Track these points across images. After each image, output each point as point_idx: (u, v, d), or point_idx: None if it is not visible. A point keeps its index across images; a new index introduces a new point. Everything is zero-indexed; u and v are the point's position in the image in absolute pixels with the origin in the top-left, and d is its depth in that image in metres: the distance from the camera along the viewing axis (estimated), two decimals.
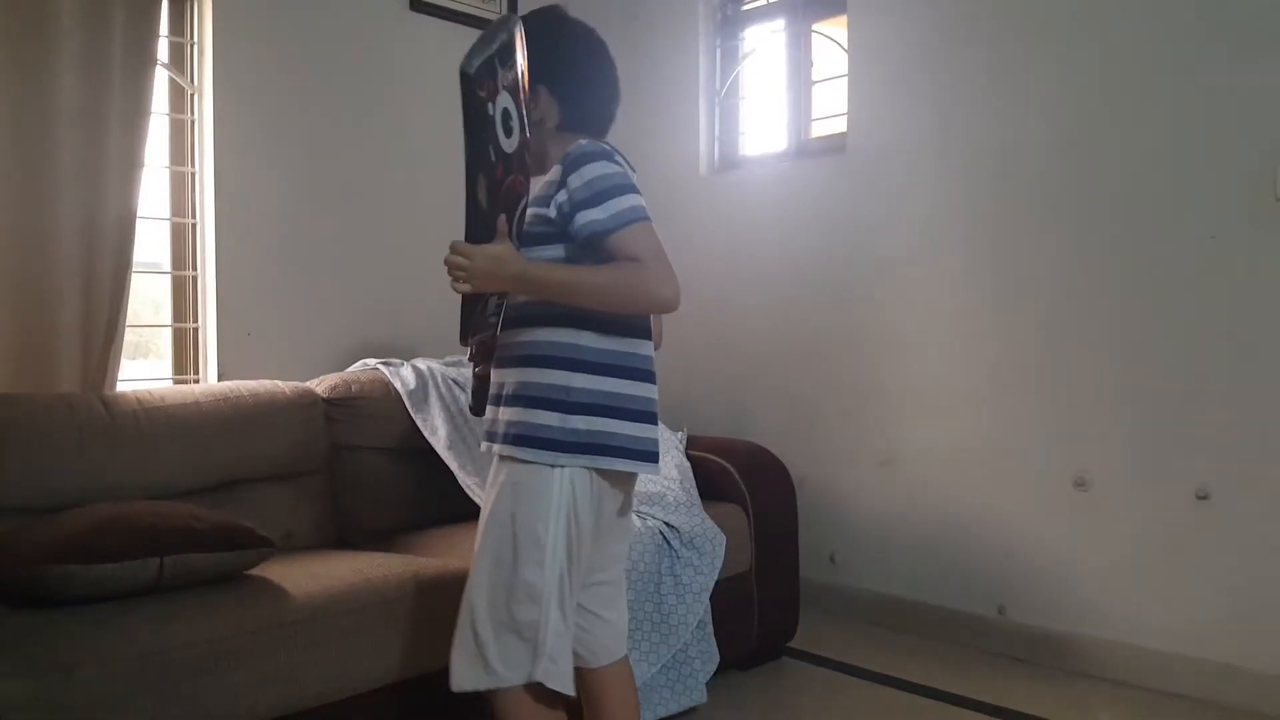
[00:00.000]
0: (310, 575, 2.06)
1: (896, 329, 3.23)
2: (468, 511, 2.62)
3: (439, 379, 2.91)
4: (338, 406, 2.73)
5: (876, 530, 3.30)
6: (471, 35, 3.48)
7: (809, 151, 3.51)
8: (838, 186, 3.36)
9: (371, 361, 2.97)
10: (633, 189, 1.63)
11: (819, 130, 3.54)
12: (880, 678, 2.80)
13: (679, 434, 3.09)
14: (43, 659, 1.63)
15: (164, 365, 3.03)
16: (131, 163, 2.65)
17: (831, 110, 3.48)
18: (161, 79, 2.88)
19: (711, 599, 2.62)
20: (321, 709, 1.93)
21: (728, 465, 2.94)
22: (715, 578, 2.63)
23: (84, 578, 1.81)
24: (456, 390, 2.90)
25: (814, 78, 3.55)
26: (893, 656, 2.95)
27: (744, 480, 2.90)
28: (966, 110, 3.05)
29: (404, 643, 2.06)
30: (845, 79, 3.35)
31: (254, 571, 2.07)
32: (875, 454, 3.30)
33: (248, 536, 2.01)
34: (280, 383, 2.69)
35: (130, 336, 2.79)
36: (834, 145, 3.41)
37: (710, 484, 2.89)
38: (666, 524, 2.63)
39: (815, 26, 3.53)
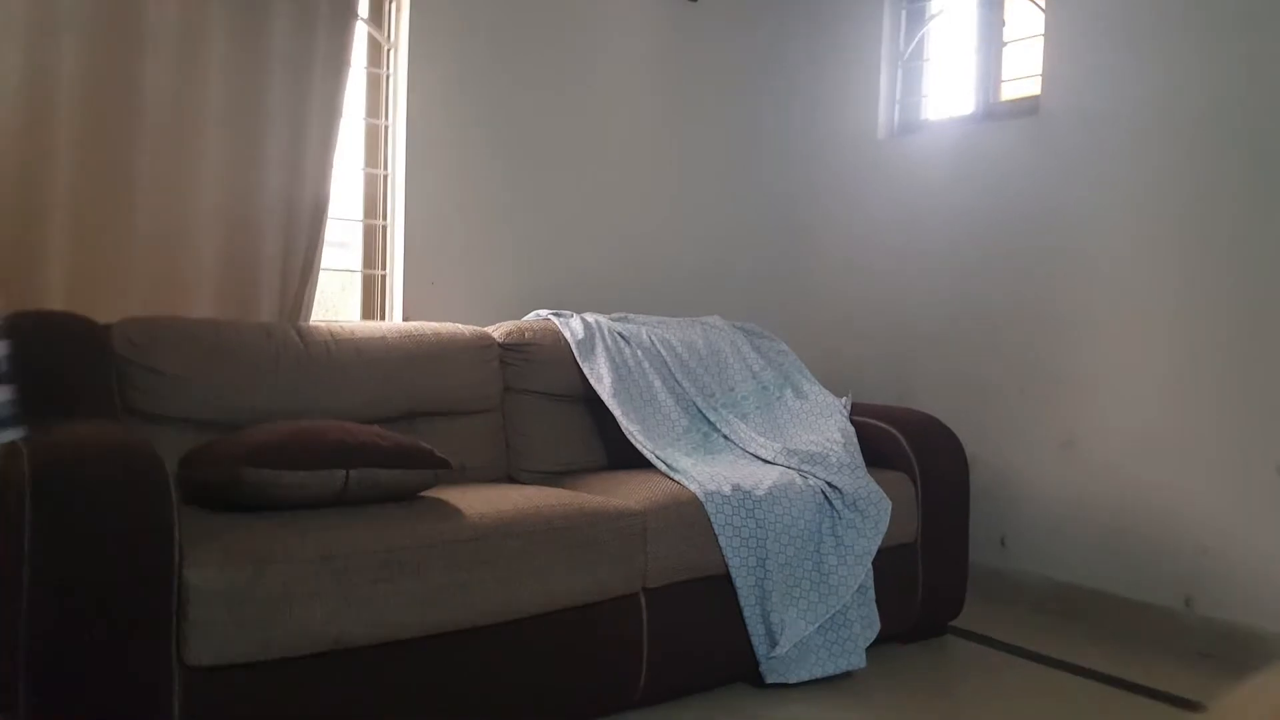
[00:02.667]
0: (482, 500, 2.13)
1: (1084, 304, 3.04)
2: (630, 457, 2.66)
3: (605, 331, 2.95)
4: (512, 351, 2.82)
5: (1053, 514, 3.13)
6: (653, 1, 3.59)
7: (997, 114, 3.36)
8: (1027, 150, 3.19)
9: (544, 312, 3.05)
10: None
11: (1009, 93, 3.37)
12: (1052, 661, 2.66)
13: (844, 399, 3.02)
14: (237, 554, 1.74)
15: (353, 311, 3.20)
16: (331, 112, 2.80)
17: (1023, 73, 3.32)
18: (361, 34, 3.03)
19: (874, 566, 2.56)
20: (487, 629, 1.99)
21: (895, 432, 2.85)
22: (878, 542, 2.57)
23: (277, 482, 1.92)
24: (621, 343, 2.94)
25: (1006, 38, 3.39)
26: (1066, 643, 2.79)
27: (913, 448, 2.81)
28: (1173, 72, 2.83)
29: (567, 570, 2.09)
30: (1040, 39, 3.18)
31: (430, 493, 2.16)
32: (1055, 435, 3.13)
33: (427, 457, 2.09)
34: (460, 325, 2.80)
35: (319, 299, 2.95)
36: (1025, 108, 3.24)
37: (877, 451, 2.81)
38: (829, 484, 2.58)
39: None
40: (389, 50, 3.14)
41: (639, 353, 2.94)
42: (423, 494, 2.16)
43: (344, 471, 1.98)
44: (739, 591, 2.38)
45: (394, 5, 3.14)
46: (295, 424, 2.10)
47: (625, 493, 2.38)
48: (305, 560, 1.79)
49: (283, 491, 1.94)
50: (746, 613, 2.39)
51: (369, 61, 3.12)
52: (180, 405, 2.33)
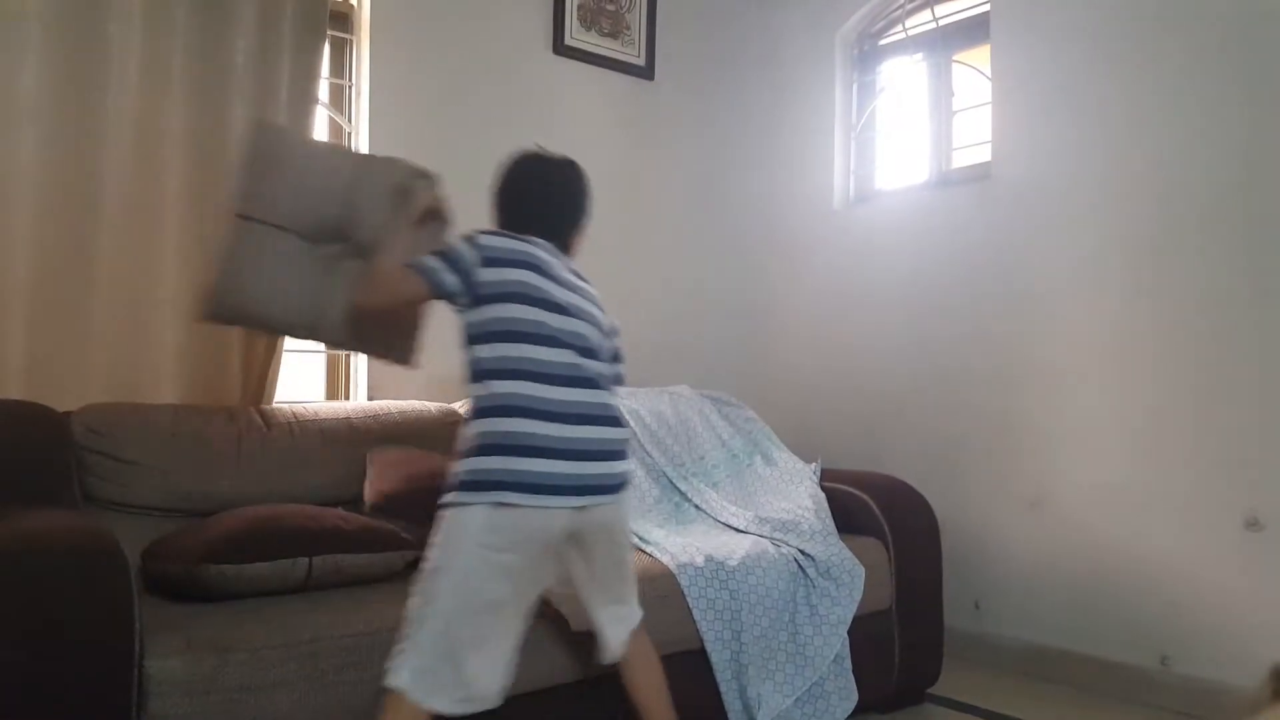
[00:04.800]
0: None
1: (1046, 363, 3.10)
2: None
3: None
4: None
5: (1025, 575, 3.13)
6: (612, 78, 3.69)
7: (950, 181, 3.45)
8: (981, 215, 3.28)
9: None
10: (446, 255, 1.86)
11: (960, 160, 3.47)
12: None
13: (813, 465, 3.03)
14: (199, 644, 1.70)
15: (317, 390, 3.17)
16: None
17: (973, 140, 3.42)
18: (322, 118, 3.06)
19: (849, 634, 2.54)
20: None
21: (865, 498, 2.85)
22: (854, 610, 2.55)
23: (237, 576, 1.89)
24: None
25: (955, 107, 3.50)
26: (1046, 707, 2.77)
27: (883, 513, 2.81)
28: (1119, 134, 2.94)
29: (549, 649, 2.06)
30: (989, 107, 3.29)
31: (398, 575, 2.11)
32: (1023, 494, 3.15)
33: (393, 539, 2.06)
34: (427, 403, 2.78)
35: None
36: (977, 174, 3.34)
37: (847, 517, 2.81)
38: (801, 552, 2.57)
39: (956, 57, 3.49)
40: (350, 134, 3.18)
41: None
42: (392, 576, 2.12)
43: (306, 559, 1.95)
44: (714, 666, 2.34)
45: (354, 90, 3.19)
46: (255, 512, 2.07)
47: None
48: (270, 648, 1.75)
49: (245, 584, 1.91)
50: (723, 687, 2.35)
51: None
52: (142, 493, 2.30)
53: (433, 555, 1.73)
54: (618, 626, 1.96)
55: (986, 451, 3.24)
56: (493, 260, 1.83)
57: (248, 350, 2.73)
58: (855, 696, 2.52)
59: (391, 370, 3.10)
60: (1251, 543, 2.63)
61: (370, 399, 3.05)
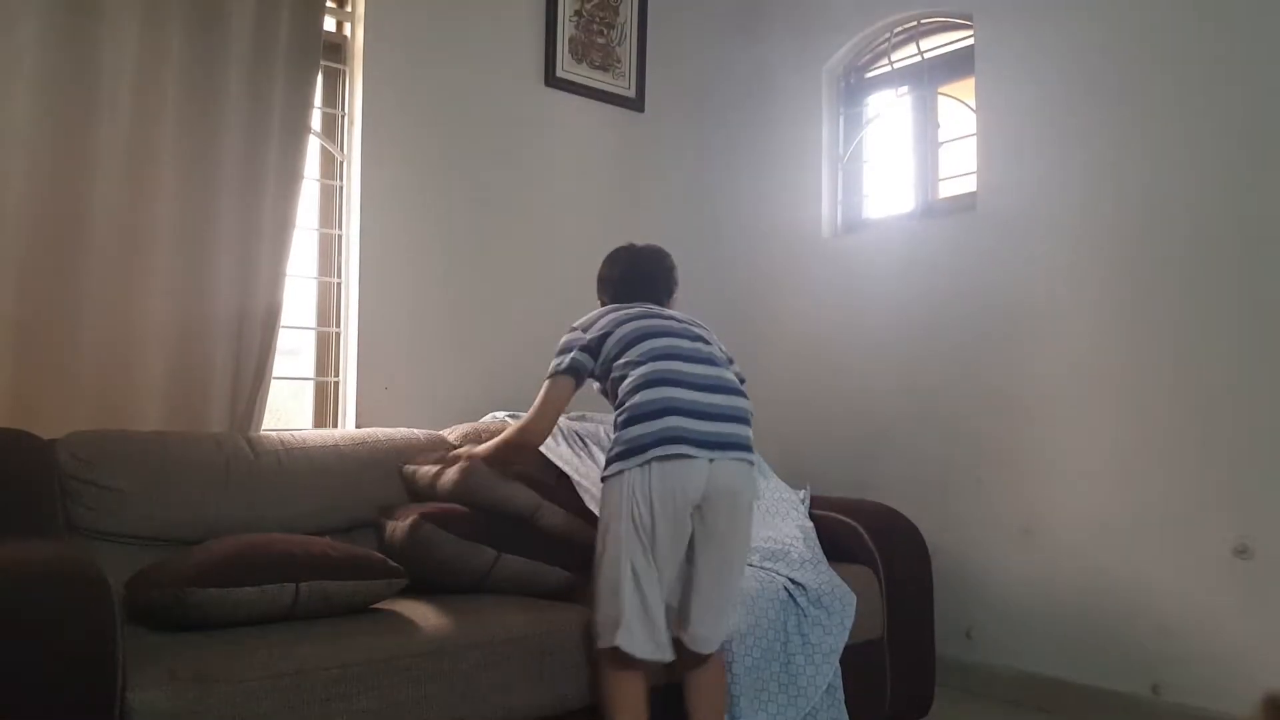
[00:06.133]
0: (439, 609, 2.07)
1: (1035, 390, 3.11)
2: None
3: (564, 431, 2.93)
4: None
5: (1016, 603, 3.12)
6: (603, 110, 3.72)
7: (937, 211, 3.48)
8: (968, 244, 3.30)
9: (501, 414, 3.03)
10: (565, 348, 2.26)
11: (947, 191, 3.50)
12: None
13: (802, 493, 3.02)
14: (182, 675, 1.66)
15: (305, 419, 3.16)
16: (284, 223, 2.82)
17: (959, 171, 3.46)
18: (314, 147, 3.08)
19: (841, 663, 2.52)
20: None
21: (856, 525, 2.84)
22: (845, 639, 2.53)
23: (223, 601, 1.85)
24: (579, 442, 2.92)
25: (940, 139, 3.54)
26: None
27: (874, 541, 2.80)
28: (1102, 166, 2.97)
29: (529, 682, 2.03)
30: (974, 139, 3.32)
31: (384, 604, 2.10)
32: (1014, 522, 3.14)
33: (380, 567, 2.04)
34: (415, 430, 2.77)
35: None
36: (963, 204, 3.37)
37: (837, 545, 2.79)
38: (791, 580, 2.55)
39: (941, 90, 3.53)
40: (342, 162, 3.19)
41: (597, 452, 2.92)
42: (378, 605, 2.10)
43: (294, 585, 1.92)
44: None
45: (347, 119, 3.20)
46: (243, 539, 2.04)
47: (588, 598, 2.33)
48: (254, 679, 1.71)
49: (231, 610, 1.87)
50: None
51: (322, 173, 3.17)
52: (128, 522, 2.27)
53: (600, 523, 2.05)
54: (712, 625, 2.10)
55: (976, 479, 3.24)
56: (589, 325, 2.25)
57: (237, 376, 2.72)
58: None
59: (379, 398, 3.12)
60: (1241, 571, 2.63)
61: (358, 426, 3.04)
